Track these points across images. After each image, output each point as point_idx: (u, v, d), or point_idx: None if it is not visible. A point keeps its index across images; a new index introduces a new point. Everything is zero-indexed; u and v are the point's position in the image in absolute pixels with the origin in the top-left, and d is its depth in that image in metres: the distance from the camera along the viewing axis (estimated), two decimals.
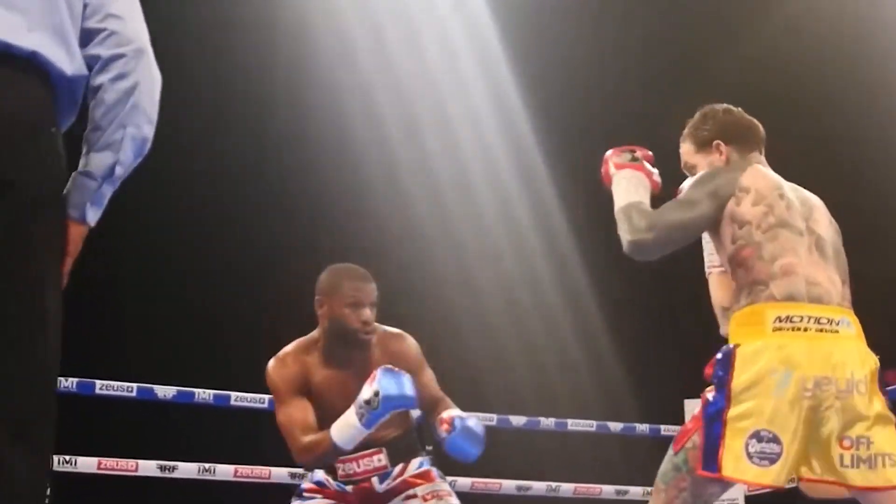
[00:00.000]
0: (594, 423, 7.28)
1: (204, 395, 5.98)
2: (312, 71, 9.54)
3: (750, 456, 2.84)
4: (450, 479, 6.59)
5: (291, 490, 7.31)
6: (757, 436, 2.84)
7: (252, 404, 6.17)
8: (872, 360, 2.96)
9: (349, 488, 3.92)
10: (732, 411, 2.86)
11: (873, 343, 3.06)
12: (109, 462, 5.72)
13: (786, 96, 8.89)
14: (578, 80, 9.73)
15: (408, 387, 3.59)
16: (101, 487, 6.48)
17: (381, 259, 9.62)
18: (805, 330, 2.91)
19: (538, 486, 6.92)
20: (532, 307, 10.29)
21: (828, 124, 9.26)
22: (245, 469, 6.07)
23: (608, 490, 7.09)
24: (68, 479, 5.61)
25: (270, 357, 4.16)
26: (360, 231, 9.50)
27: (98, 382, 5.78)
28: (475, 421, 3.88)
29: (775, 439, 2.83)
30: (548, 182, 10.26)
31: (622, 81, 9.72)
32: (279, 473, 6.27)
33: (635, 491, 7.07)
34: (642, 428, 7.42)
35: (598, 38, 9.61)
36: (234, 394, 6.10)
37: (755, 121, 3.35)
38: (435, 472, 4.05)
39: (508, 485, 6.83)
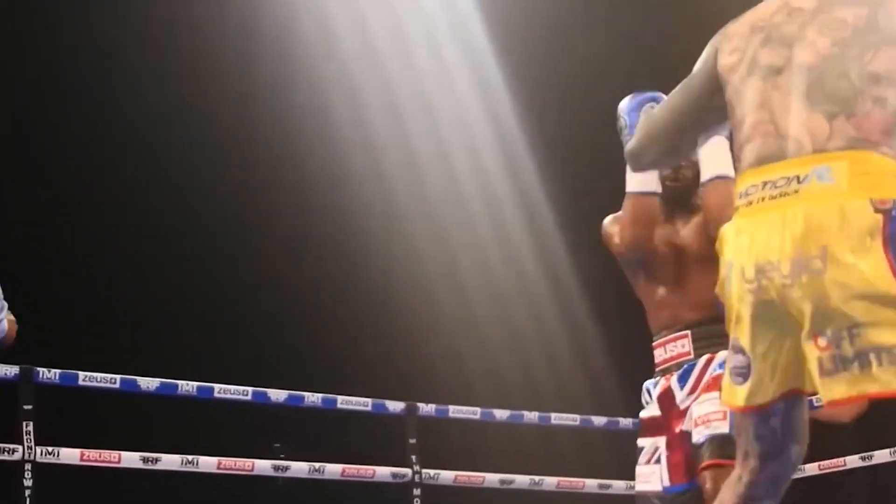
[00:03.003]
0: (578, 417, 7.29)
1: (187, 387, 5.96)
2: (297, 64, 9.52)
3: (731, 373, 2.30)
4: (432, 471, 6.61)
5: (274, 482, 7.32)
6: (733, 347, 2.30)
7: (235, 396, 6.16)
8: (862, 216, 2.14)
9: (656, 392, 3.54)
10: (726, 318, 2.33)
11: None
12: (92, 454, 5.70)
13: None
14: (562, 67, 9.72)
15: None
16: (83, 479, 6.47)
17: (367, 254, 9.62)
18: (759, 202, 2.24)
19: (521, 480, 6.92)
20: (518, 300, 10.30)
21: None
22: (228, 461, 6.06)
23: (591, 484, 7.09)
24: (51, 470, 5.59)
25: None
26: (343, 226, 9.50)
27: (81, 374, 5.75)
28: None
29: (741, 349, 2.27)
30: (534, 174, 10.26)
31: (607, 70, 9.72)
32: (262, 465, 6.26)
33: (618, 485, 7.08)
34: (626, 422, 7.42)
35: (585, 28, 9.60)
36: (217, 386, 6.09)
37: None
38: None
39: (492, 478, 6.83)
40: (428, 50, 10.01)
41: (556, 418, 7.22)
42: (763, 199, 2.22)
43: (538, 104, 9.93)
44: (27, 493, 5.40)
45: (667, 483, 3.38)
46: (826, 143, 2.19)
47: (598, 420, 7.38)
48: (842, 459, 6.55)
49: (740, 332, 2.26)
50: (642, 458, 3.46)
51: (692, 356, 3.44)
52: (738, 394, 2.27)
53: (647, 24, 9.46)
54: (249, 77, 9.30)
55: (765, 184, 2.23)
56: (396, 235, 9.78)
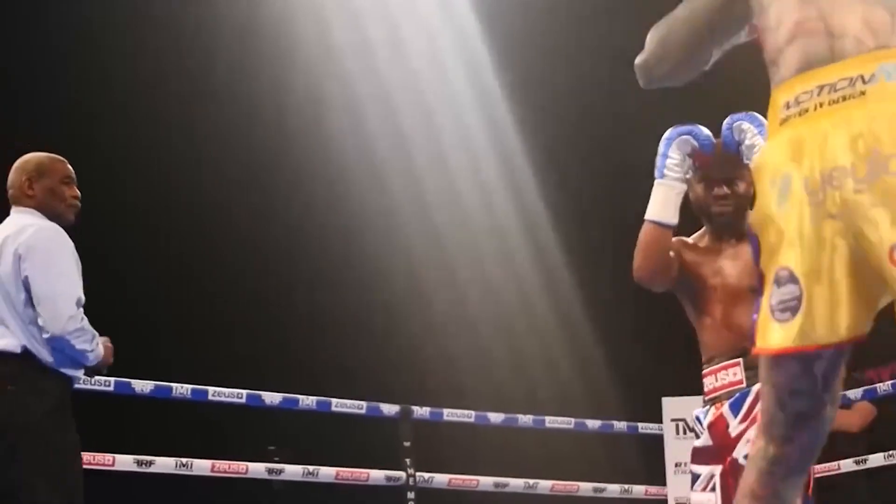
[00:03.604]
0: (572, 420, 7.28)
1: (181, 389, 5.95)
2: (292, 65, 9.52)
3: (773, 310, 1.94)
4: (427, 475, 6.60)
5: (268, 485, 7.30)
6: (777, 279, 1.94)
7: (230, 399, 6.15)
8: None
9: (707, 420, 3.45)
10: (763, 256, 1.99)
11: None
12: (86, 456, 5.66)
13: None
14: (559, 68, 9.72)
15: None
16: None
17: (362, 256, 9.62)
18: (816, 108, 1.94)
19: (516, 483, 6.92)
20: (513, 303, 10.29)
21: None
22: (222, 464, 6.05)
23: (586, 487, 7.09)
24: None
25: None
26: (338, 227, 9.49)
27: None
28: None
29: (791, 277, 1.92)
30: (531, 177, 10.26)
31: (604, 71, 9.72)
32: (256, 468, 6.25)
33: (613, 489, 7.08)
34: (620, 426, 7.42)
35: (581, 29, 9.60)
36: (211, 388, 6.08)
37: None
38: None
39: (486, 481, 6.83)
40: (425, 51, 10.00)
41: (551, 421, 7.22)
42: (821, 104, 1.94)
43: (536, 105, 9.92)
44: None
45: None
46: (891, 38, 1.93)
47: (593, 423, 7.38)
48: (836, 463, 6.54)
49: (792, 258, 1.91)
50: (698, 486, 3.44)
51: (744, 385, 3.39)
52: (782, 332, 1.92)
53: (641, 30, 9.46)
54: (244, 78, 9.30)
55: (821, 88, 1.94)
56: (392, 237, 9.77)
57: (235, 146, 9.36)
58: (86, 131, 8.51)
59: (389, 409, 6.61)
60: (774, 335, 1.93)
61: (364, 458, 6.74)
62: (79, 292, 3.65)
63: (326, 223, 9.50)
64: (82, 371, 3.78)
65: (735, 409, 3.41)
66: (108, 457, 5.73)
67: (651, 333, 8.98)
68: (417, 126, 10.05)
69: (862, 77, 1.91)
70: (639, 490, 7.15)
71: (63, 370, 3.64)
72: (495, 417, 7.02)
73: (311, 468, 6.30)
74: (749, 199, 3.31)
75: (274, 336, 8.95)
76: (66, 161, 3.93)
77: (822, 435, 2.03)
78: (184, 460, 5.87)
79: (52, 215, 3.79)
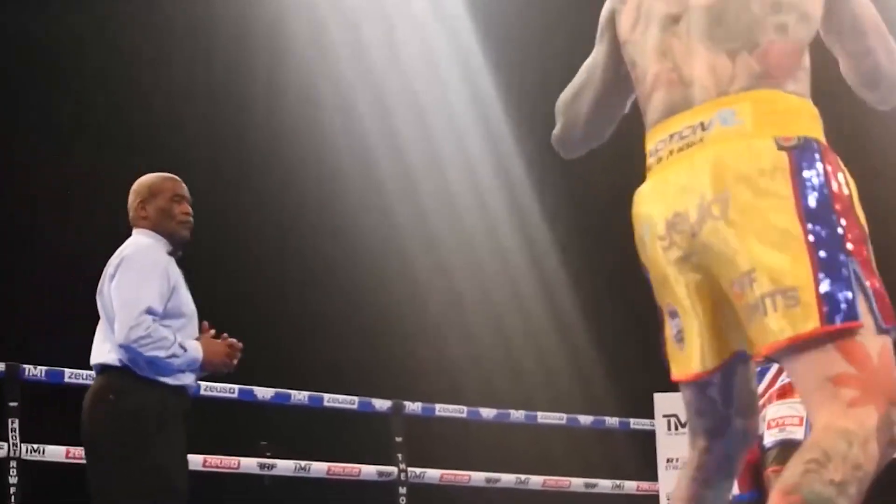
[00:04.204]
0: (564, 415, 7.30)
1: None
2: (288, 65, 9.52)
3: (674, 339, 2.13)
4: (418, 470, 6.61)
5: (260, 480, 7.31)
6: (669, 313, 2.14)
7: (222, 394, 6.16)
8: (766, 155, 2.01)
9: None
10: (654, 292, 2.19)
11: None
12: (78, 451, 5.68)
13: None
14: (553, 68, 9.72)
15: None
16: (69, 476, 6.45)
17: (354, 252, 9.62)
18: (668, 156, 2.11)
19: (507, 478, 6.93)
20: (506, 299, 10.30)
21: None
22: (214, 459, 6.06)
23: (577, 483, 7.10)
24: (36, 467, 5.59)
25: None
26: (331, 225, 9.50)
27: (67, 371, 5.75)
28: None
29: (674, 312, 2.11)
30: (523, 174, 10.26)
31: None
32: (248, 463, 6.26)
33: (604, 484, 7.09)
34: (612, 421, 7.44)
35: (577, 27, 9.60)
36: (203, 383, 6.08)
37: None
38: None
39: (478, 476, 6.84)
40: (419, 52, 10.01)
41: (543, 417, 7.23)
42: (671, 152, 2.10)
43: (528, 105, 9.93)
44: (12, 490, 5.39)
45: (735, 491, 3.37)
46: (730, 85, 2.08)
47: (585, 419, 7.39)
48: None
49: (667, 296, 2.11)
50: None
51: (765, 361, 3.36)
52: (675, 362, 2.12)
53: None
54: (239, 79, 9.30)
55: (671, 136, 2.11)
56: (385, 234, 9.77)
57: (228, 146, 9.36)
58: (79, 132, 8.51)
59: (381, 404, 6.62)
60: (672, 365, 2.13)
61: (356, 453, 6.75)
62: (148, 302, 3.71)
63: (319, 222, 9.50)
64: (193, 378, 3.86)
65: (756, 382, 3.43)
66: None
67: (643, 329, 8.99)
68: (410, 125, 10.05)
69: (702, 124, 2.07)
70: (630, 486, 7.17)
71: (162, 379, 3.72)
72: (487, 413, 7.04)
73: (302, 463, 6.31)
74: None
75: (266, 332, 8.95)
76: (177, 179, 4.05)
77: (737, 445, 2.16)
78: None
79: (165, 234, 3.94)
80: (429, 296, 9.87)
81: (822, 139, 2.06)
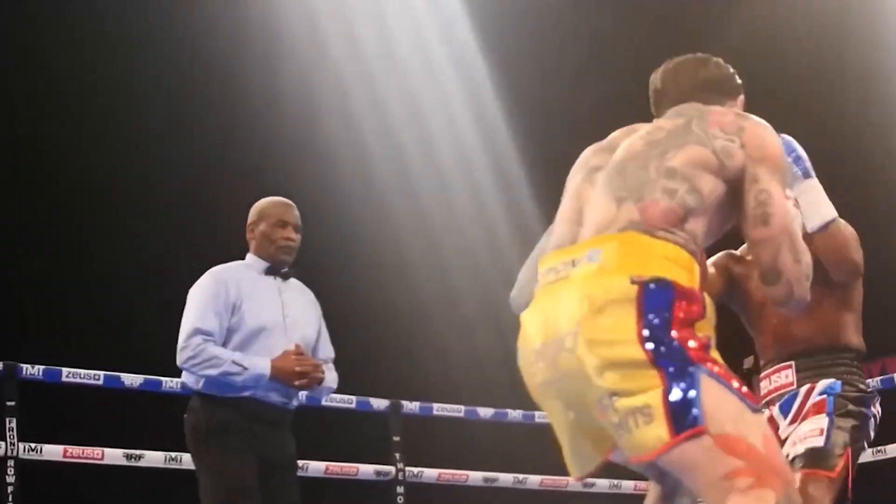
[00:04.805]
0: None
1: (171, 383, 5.95)
2: (284, 64, 9.52)
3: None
4: (416, 469, 6.61)
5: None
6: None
7: None
8: (617, 289, 2.14)
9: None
10: None
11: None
12: (75, 450, 5.69)
13: (782, 88, 8.90)
14: (550, 69, 9.73)
15: None
16: (66, 475, 6.45)
17: (352, 250, 9.62)
18: (545, 286, 2.30)
19: (505, 478, 6.93)
20: (504, 298, 10.29)
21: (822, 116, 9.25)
22: None
23: (575, 482, 7.10)
24: (34, 466, 5.58)
25: None
26: (329, 222, 9.49)
27: (65, 370, 5.74)
28: None
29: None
30: (522, 176, 10.27)
31: (593, 69, 9.74)
32: None
33: (602, 483, 7.09)
34: None
35: (573, 26, 9.61)
36: None
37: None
38: (830, 401, 3.46)
39: (475, 476, 6.84)
40: (415, 50, 10.01)
41: (540, 416, 7.22)
42: (548, 283, 2.27)
43: (526, 103, 9.94)
44: (10, 489, 5.39)
45: None
46: (608, 227, 2.24)
47: None
48: None
49: (545, 410, 2.34)
50: None
51: (795, 386, 3.47)
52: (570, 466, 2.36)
53: (630, 23, 9.48)
54: (235, 78, 9.30)
55: (550, 269, 2.28)
56: (382, 233, 9.77)
57: (229, 148, 9.36)
58: (75, 132, 8.50)
59: (379, 403, 6.61)
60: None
61: (354, 452, 6.75)
62: (193, 323, 3.89)
63: (316, 219, 9.49)
64: (274, 394, 3.97)
65: (785, 410, 3.48)
66: (98, 450, 5.73)
67: None
68: (409, 126, 10.06)
69: (573, 261, 2.24)
70: (628, 485, 7.17)
71: (233, 395, 3.92)
72: (485, 412, 7.03)
73: (299, 462, 6.30)
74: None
75: None
76: (288, 204, 4.20)
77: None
78: (173, 454, 5.87)
79: (266, 258, 4.12)
80: (427, 295, 9.87)
81: (687, 284, 2.17)
